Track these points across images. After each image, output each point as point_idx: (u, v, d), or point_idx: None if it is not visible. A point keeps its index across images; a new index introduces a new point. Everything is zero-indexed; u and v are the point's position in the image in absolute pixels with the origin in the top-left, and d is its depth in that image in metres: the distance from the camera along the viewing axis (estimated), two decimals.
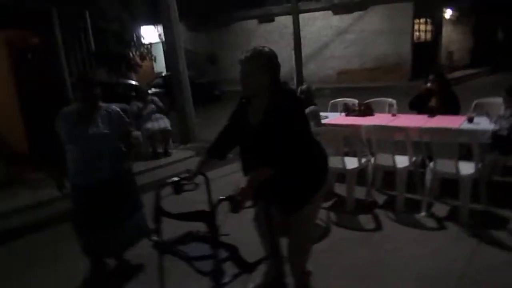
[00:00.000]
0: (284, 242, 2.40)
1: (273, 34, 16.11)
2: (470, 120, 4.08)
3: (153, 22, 12.07)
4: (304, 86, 4.45)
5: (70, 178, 2.90)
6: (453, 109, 4.55)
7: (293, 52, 12.95)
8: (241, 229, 3.08)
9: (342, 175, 4.04)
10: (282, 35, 15.63)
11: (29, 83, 6.37)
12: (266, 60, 2.08)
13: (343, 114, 5.17)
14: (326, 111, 5.41)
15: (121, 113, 2.94)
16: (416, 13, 14.04)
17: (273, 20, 16.39)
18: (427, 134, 3.71)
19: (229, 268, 2.03)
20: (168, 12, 6.73)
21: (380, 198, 4.20)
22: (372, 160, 4.04)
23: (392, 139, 3.83)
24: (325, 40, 15.58)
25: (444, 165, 3.59)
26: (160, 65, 15.55)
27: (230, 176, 4.69)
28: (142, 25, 11.27)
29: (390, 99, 5.41)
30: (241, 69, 2.08)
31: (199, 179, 2.33)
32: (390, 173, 4.04)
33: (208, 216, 1.90)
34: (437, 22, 15.52)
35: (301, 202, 2.20)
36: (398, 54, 14.28)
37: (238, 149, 2.31)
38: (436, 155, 3.62)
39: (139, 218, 3.07)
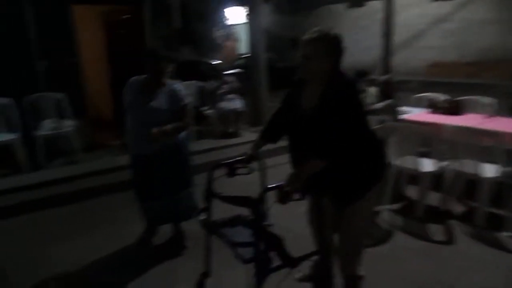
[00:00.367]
0: (336, 240, 2.25)
1: (362, 20, 15.24)
2: None
3: (243, 2, 12.18)
4: (383, 77, 4.13)
5: (128, 146, 3.05)
6: None
7: (381, 40, 12.14)
8: (296, 221, 3.00)
9: (416, 177, 3.69)
10: (372, 21, 14.72)
11: (118, 56, 6.89)
12: (332, 44, 1.92)
13: (427, 110, 4.72)
14: (410, 106, 4.98)
15: (182, 92, 2.98)
16: None
17: (363, 5, 15.53)
18: None
19: (274, 259, 1.96)
20: None
21: (458, 209, 3.77)
22: (454, 165, 3.61)
23: (479, 144, 3.37)
24: (419, 29, 14.31)
25: None
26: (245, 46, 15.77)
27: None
28: (231, 6, 11.44)
29: (488, 98, 4.73)
30: (302, 51, 1.94)
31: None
32: (474, 182, 3.58)
33: (252, 203, 1.83)
34: None
35: (352, 197, 2.04)
36: (505, 49, 12.60)
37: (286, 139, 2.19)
38: None
39: (191, 194, 3.17)
